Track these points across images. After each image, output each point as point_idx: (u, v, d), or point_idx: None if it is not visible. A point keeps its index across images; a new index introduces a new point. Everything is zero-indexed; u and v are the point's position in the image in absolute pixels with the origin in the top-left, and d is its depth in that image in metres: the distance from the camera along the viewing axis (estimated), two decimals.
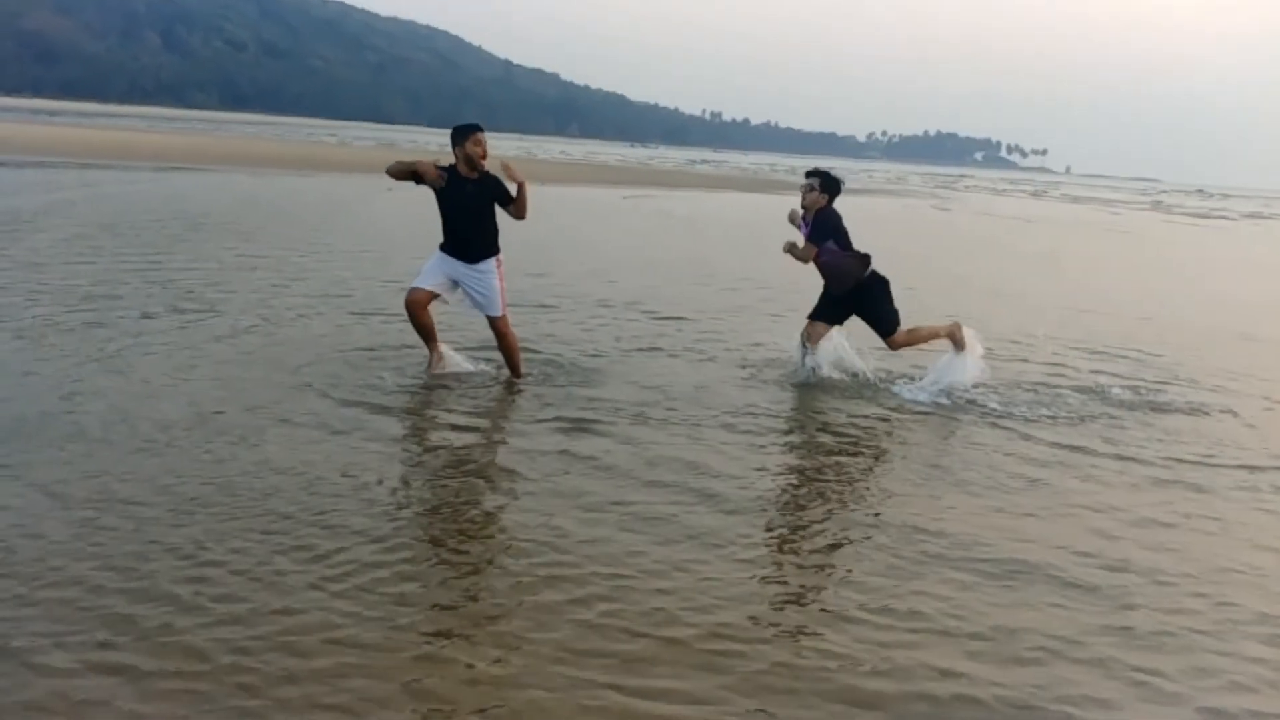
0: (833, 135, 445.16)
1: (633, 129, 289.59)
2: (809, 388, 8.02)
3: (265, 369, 7.45)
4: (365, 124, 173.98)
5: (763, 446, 6.41)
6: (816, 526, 5.13)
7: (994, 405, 7.73)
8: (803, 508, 5.41)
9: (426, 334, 7.56)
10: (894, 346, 8.21)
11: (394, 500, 5.04)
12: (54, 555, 4.16)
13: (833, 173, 8.22)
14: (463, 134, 7.37)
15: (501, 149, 58.14)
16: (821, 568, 4.64)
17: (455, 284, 7.47)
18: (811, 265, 8.13)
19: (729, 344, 9.54)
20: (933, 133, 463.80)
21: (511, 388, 7.48)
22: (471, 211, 7.35)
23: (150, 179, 27.11)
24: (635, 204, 31.74)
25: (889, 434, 7.03)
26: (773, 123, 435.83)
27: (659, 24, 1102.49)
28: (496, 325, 7.54)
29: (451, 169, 7.33)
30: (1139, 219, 48.12)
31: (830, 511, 5.36)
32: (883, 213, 34.06)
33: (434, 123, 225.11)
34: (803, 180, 8.10)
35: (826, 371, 8.24)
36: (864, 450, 6.59)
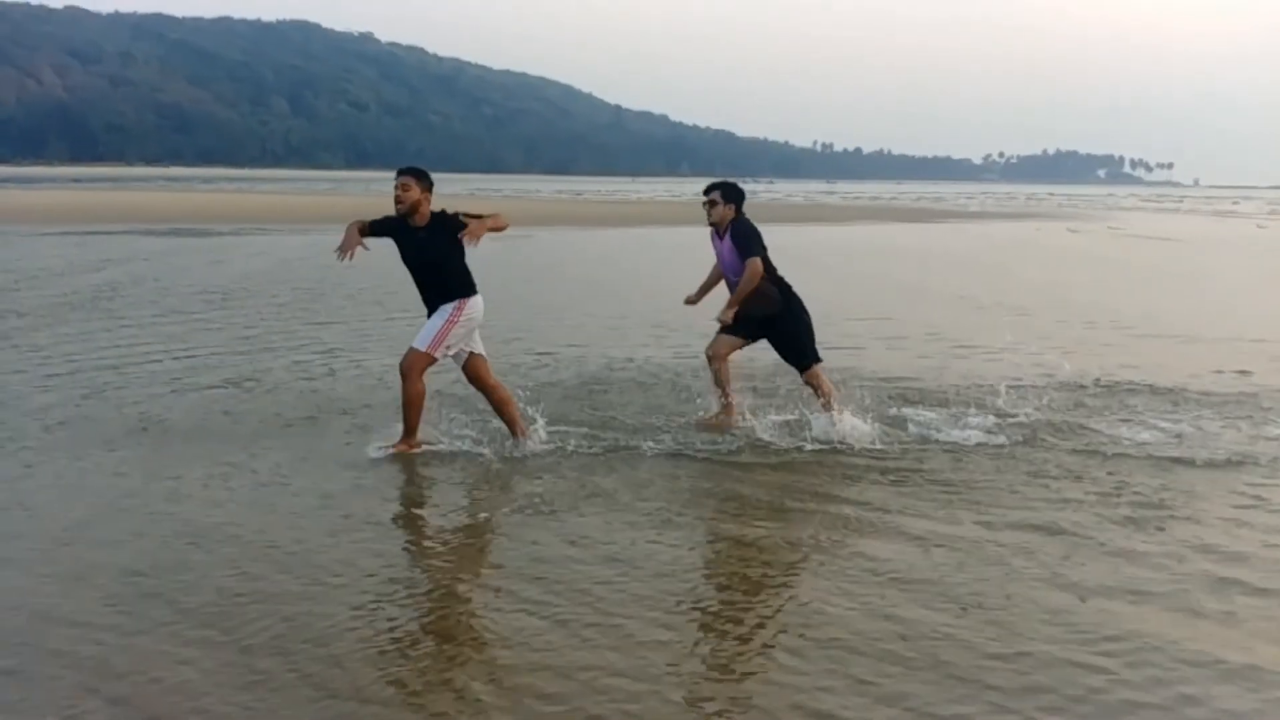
0: (948, 159, 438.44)
1: (743, 164, 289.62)
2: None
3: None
4: (484, 176, 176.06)
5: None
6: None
7: None
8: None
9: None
10: (810, 379, 7.46)
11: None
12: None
13: (730, 180, 7.60)
14: None
15: (616, 191, 58.26)
16: None
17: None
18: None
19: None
20: (1052, 151, 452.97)
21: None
22: (428, 262, 6.62)
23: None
24: None
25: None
26: (885, 150, 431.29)
27: (763, 61, 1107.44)
28: (406, 359, 6.64)
29: (401, 220, 6.59)
30: None
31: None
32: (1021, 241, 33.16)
33: (550, 170, 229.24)
34: (703, 197, 7.49)
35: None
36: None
